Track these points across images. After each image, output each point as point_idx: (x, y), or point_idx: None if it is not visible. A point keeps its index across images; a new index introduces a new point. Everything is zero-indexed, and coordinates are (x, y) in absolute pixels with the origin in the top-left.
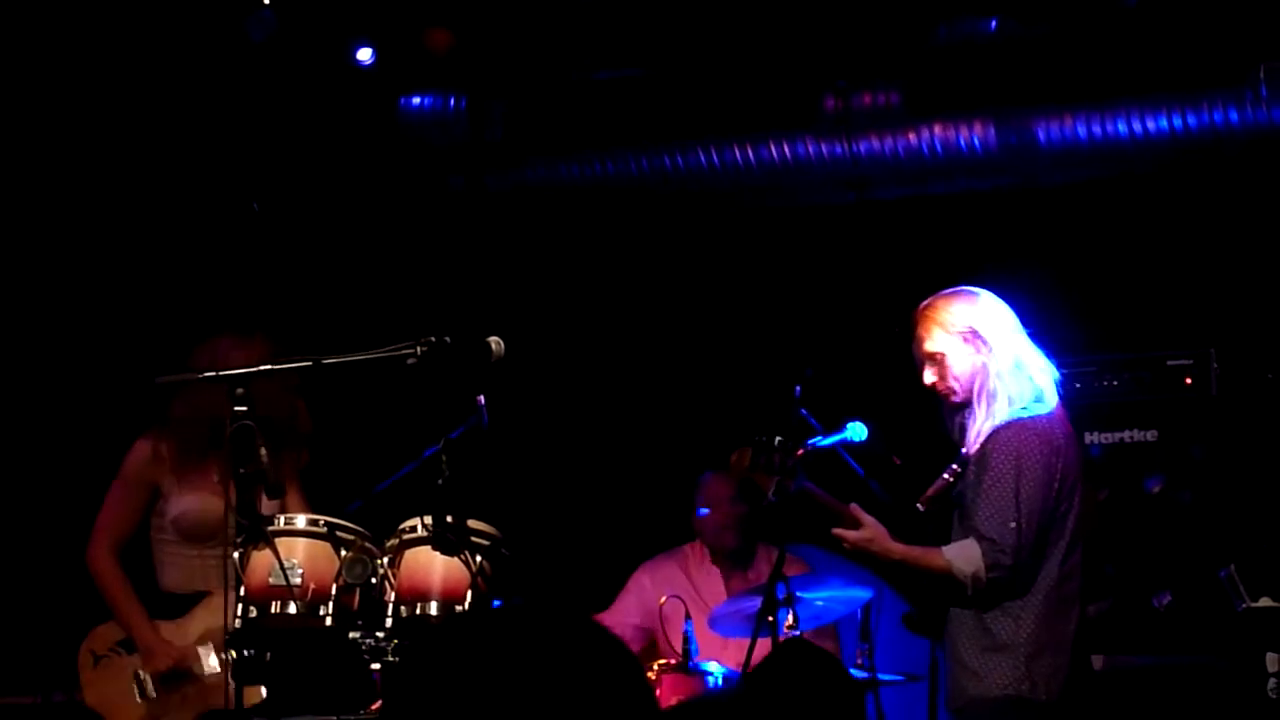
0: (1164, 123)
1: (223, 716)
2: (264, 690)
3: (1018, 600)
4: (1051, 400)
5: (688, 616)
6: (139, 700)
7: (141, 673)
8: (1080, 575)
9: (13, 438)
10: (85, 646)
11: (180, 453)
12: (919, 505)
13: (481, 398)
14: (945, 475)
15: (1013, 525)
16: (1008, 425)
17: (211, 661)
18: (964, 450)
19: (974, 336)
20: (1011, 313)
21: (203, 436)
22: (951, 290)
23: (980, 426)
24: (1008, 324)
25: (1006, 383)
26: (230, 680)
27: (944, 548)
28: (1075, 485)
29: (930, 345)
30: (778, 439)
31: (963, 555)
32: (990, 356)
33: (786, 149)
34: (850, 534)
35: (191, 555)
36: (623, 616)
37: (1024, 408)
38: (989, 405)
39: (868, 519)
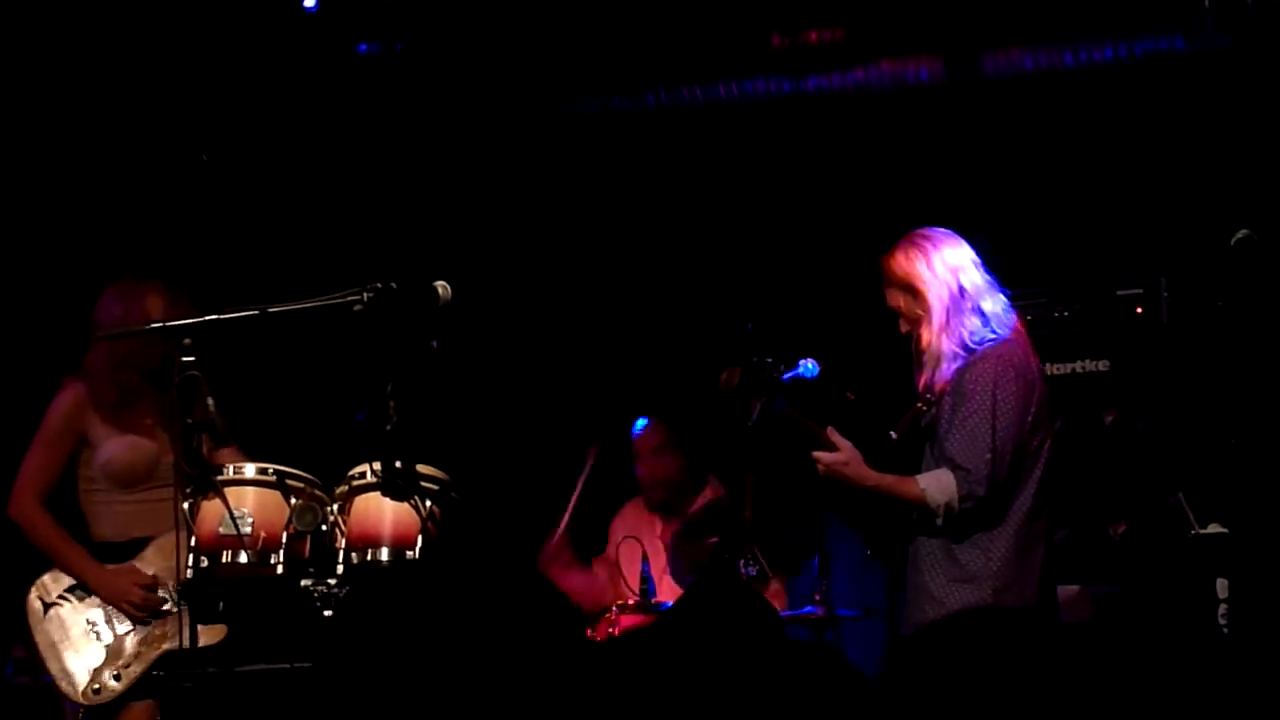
0: (1109, 52)
1: (182, 657)
2: (224, 629)
3: (988, 532)
4: (1006, 331)
5: (645, 557)
6: (94, 645)
7: (96, 617)
8: (1049, 509)
9: None
10: (33, 595)
11: (108, 400)
12: (892, 434)
13: (435, 342)
14: (919, 404)
15: (988, 456)
16: (984, 357)
17: (166, 603)
18: (923, 380)
19: (935, 274)
20: (969, 248)
21: (131, 383)
22: (913, 232)
23: (944, 357)
24: (966, 259)
25: (967, 316)
26: (186, 621)
27: (918, 476)
28: (1046, 417)
29: (895, 285)
30: (768, 360)
31: (937, 484)
32: (950, 291)
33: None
34: (826, 456)
35: (125, 501)
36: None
37: (991, 338)
38: (951, 338)
39: (844, 443)
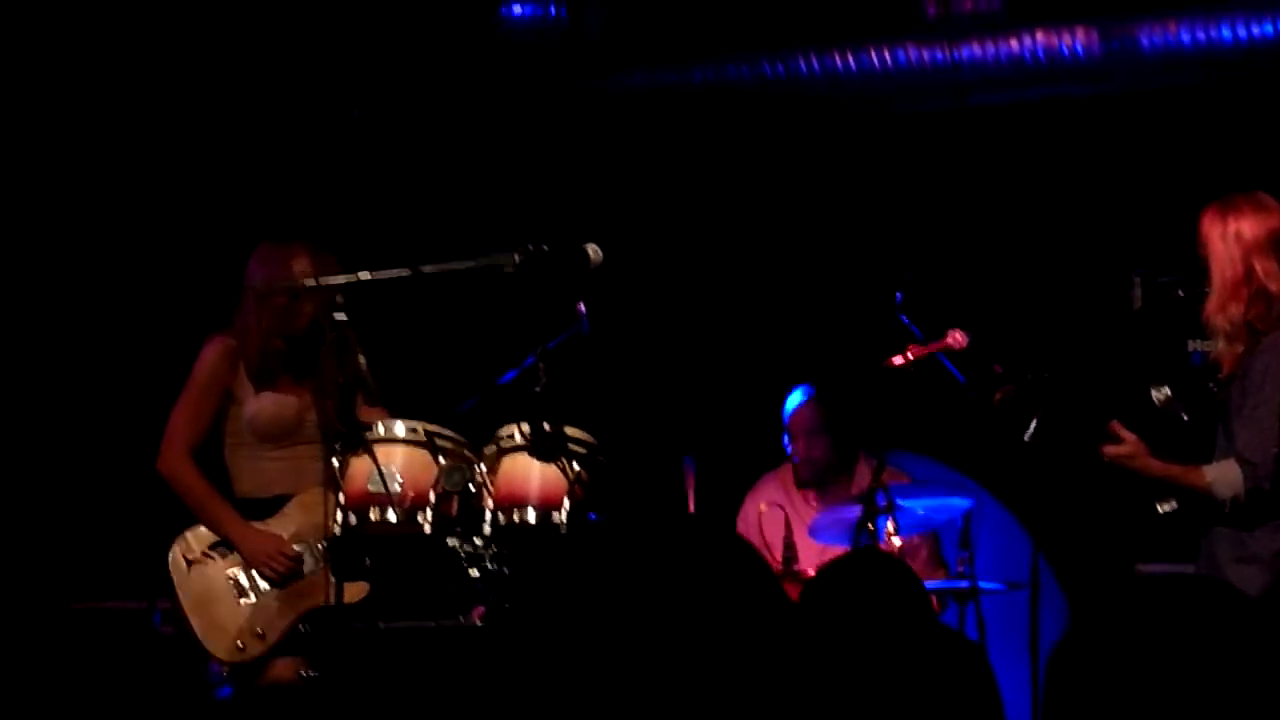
0: (1269, 28)
1: (326, 614)
2: (366, 586)
3: (1277, 521)
4: None
5: (788, 524)
6: (238, 603)
7: (240, 574)
8: None
9: (92, 346)
10: (175, 552)
11: (255, 358)
12: (1211, 386)
13: (582, 305)
14: (1210, 384)
15: (1274, 450)
16: (1271, 347)
17: (309, 561)
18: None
19: (1224, 246)
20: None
21: (278, 343)
22: (1228, 195)
23: (1218, 333)
24: (1269, 237)
25: (1251, 300)
26: (331, 578)
27: (1206, 467)
28: None
29: (1199, 244)
30: (1045, 374)
31: (1224, 478)
32: (1235, 269)
33: (888, 55)
34: (1111, 448)
35: (270, 457)
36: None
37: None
38: (1227, 317)
39: (1129, 435)
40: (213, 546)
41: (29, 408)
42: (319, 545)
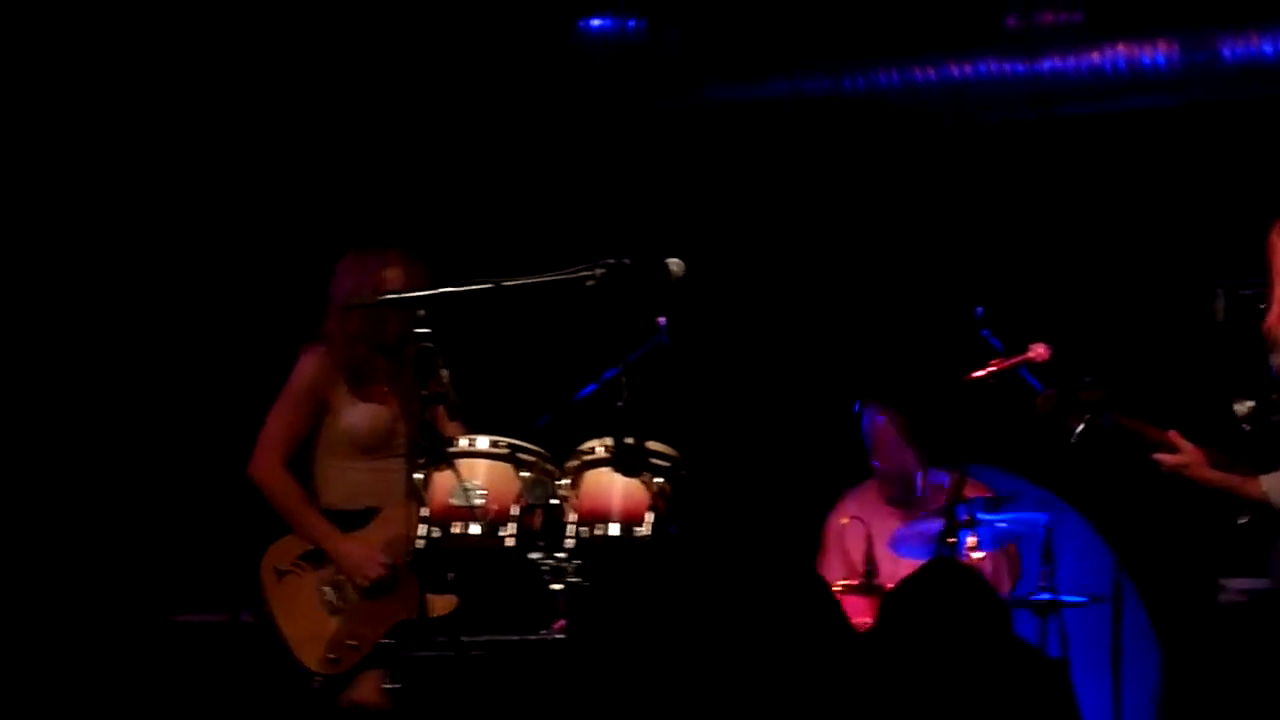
0: None
1: (416, 627)
2: (456, 599)
3: None
4: None
5: (869, 538)
6: (328, 615)
7: (331, 585)
8: None
9: (184, 355)
10: (266, 563)
11: (347, 369)
12: (1275, 397)
13: (663, 319)
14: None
15: None
16: None
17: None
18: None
19: None
20: None
21: (366, 354)
22: None
23: (1274, 346)
24: None
25: None
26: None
27: (1263, 477)
28: None
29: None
30: (1086, 379)
31: (1278, 488)
32: None
33: (968, 67)
34: (1168, 458)
35: (361, 468)
36: (833, 562)
37: None
38: None
39: (1186, 445)
40: (303, 557)
41: (131, 422)
42: (406, 558)
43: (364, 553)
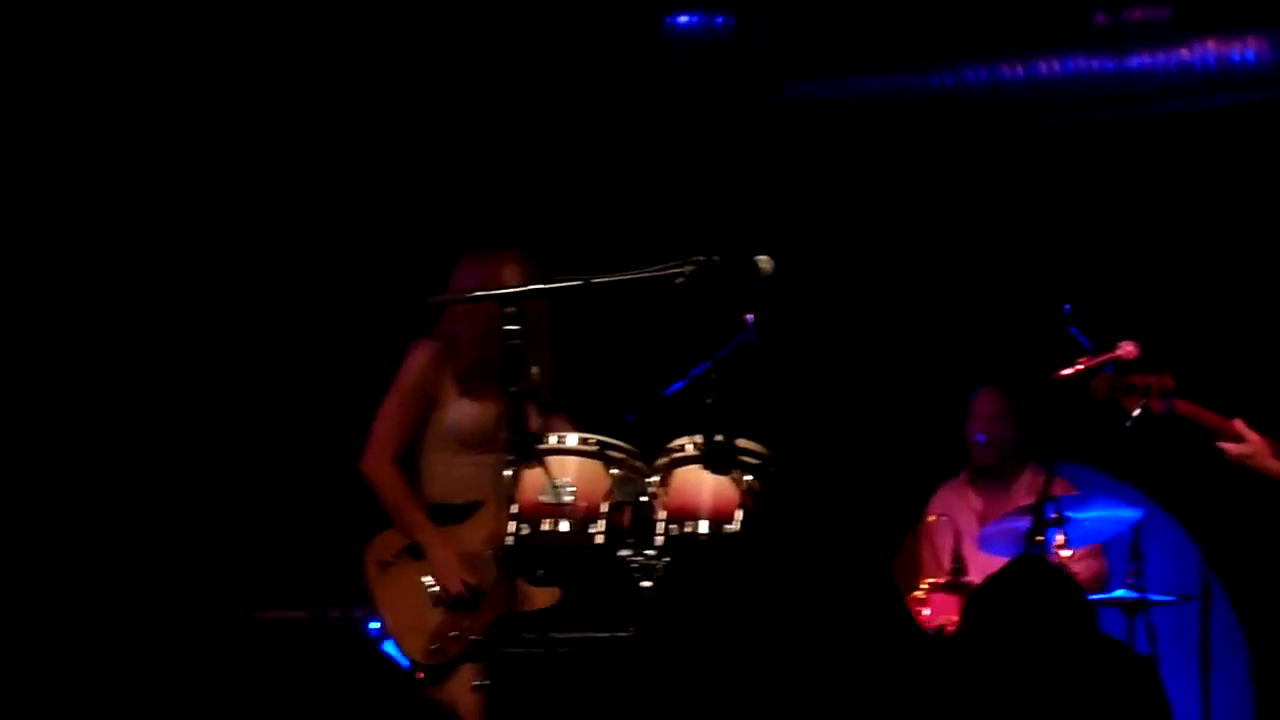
0: None
1: (515, 621)
2: (558, 591)
3: None
4: None
5: (956, 535)
6: (430, 606)
7: (430, 579)
8: None
9: (283, 352)
10: (370, 556)
11: (463, 365)
12: None
13: (750, 316)
14: None
15: None
16: None
17: (495, 569)
18: None
19: None
20: None
21: (489, 352)
22: None
23: None
24: None
25: None
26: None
27: None
28: None
29: None
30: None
31: None
32: None
33: (1057, 64)
34: (1232, 447)
35: (465, 463)
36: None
37: None
38: None
39: (1251, 434)
40: (406, 550)
41: (226, 422)
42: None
43: (452, 564)
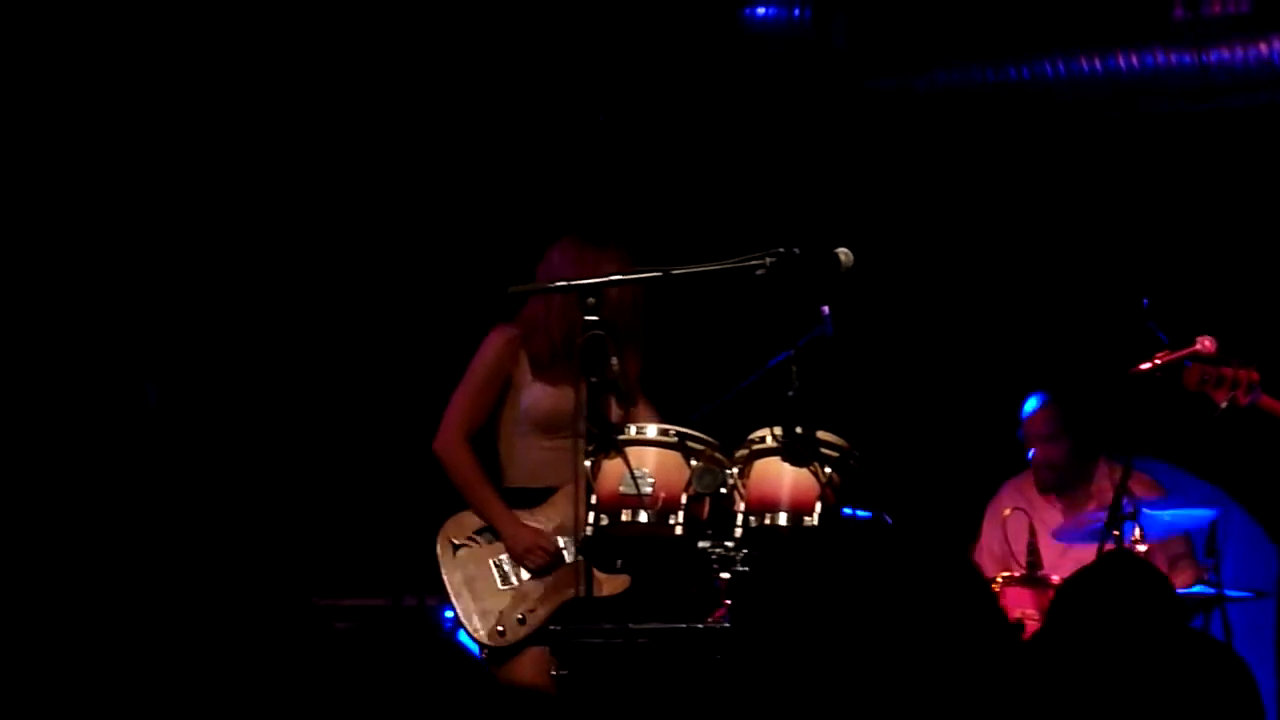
0: None
1: (584, 605)
2: (627, 579)
3: None
4: None
5: (1032, 529)
6: (501, 588)
7: (504, 561)
8: None
9: (368, 337)
10: (443, 536)
11: (540, 350)
12: None
13: (826, 308)
14: None
15: None
16: None
17: (572, 553)
18: None
19: None
20: None
21: (565, 338)
22: None
23: None
24: None
25: None
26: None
27: None
28: None
29: None
30: (1230, 358)
31: None
32: None
33: (1135, 59)
34: None
35: (544, 447)
36: (989, 547)
37: None
38: None
39: None
40: (478, 532)
41: (308, 409)
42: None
43: (532, 538)
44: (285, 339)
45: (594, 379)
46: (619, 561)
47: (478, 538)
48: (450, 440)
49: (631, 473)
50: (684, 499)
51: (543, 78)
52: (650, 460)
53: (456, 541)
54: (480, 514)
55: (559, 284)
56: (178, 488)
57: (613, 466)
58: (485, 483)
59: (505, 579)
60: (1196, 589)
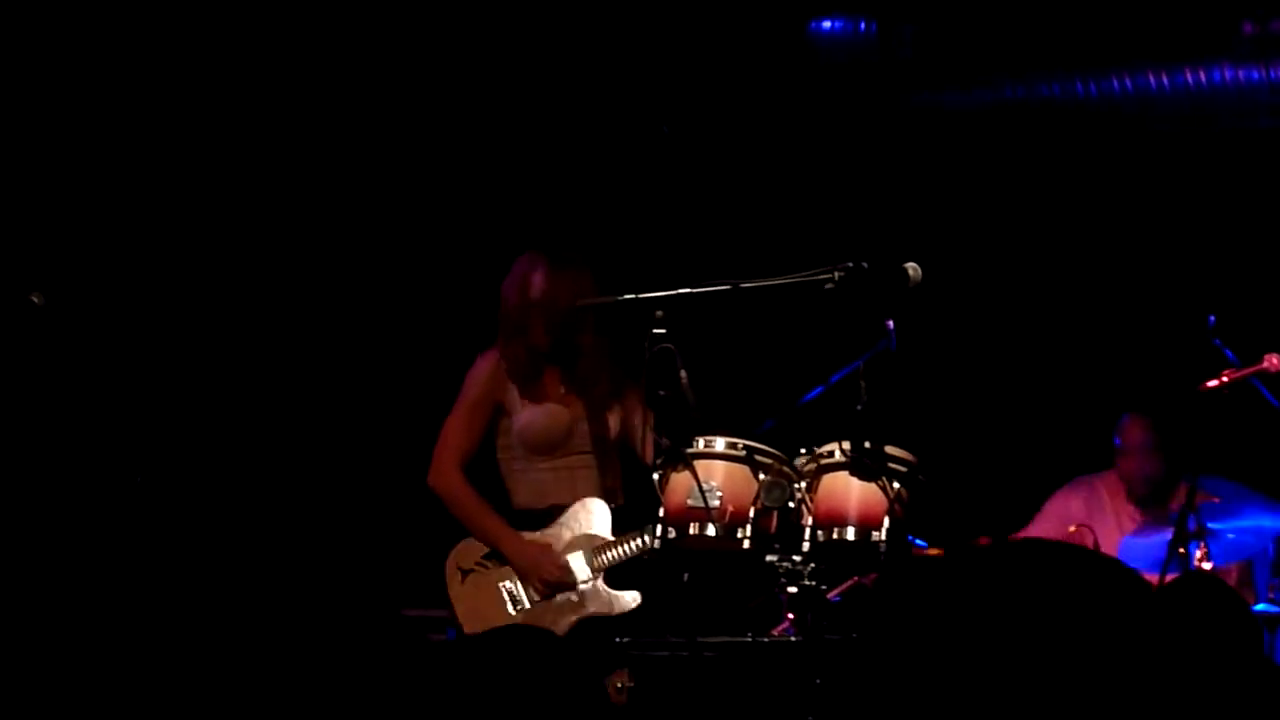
0: None
1: (603, 624)
2: (638, 596)
3: None
4: None
5: (1095, 546)
6: (512, 613)
7: (512, 585)
8: None
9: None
10: (451, 562)
11: (521, 371)
12: None
13: (891, 322)
14: None
15: None
16: None
17: (582, 570)
18: None
19: None
20: None
21: (544, 352)
22: None
23: None
24: None
25: None
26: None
27: None
28: None
29: None
30: None
31: None
32: None
33: (1203, 75)
34: None
35: (542, 469)
36: (1041, 534)
37: None
38: None
39: None
40: (486, 556)
41: (382, 422)
42: (593, 555)
43: (536, 554)
44: (364, 355)
45: (662, 392)
46: (685, 575)
47: (486, 562)
48: (444, 472)
49: (700, 486)
50: (752, 512)
51: (609, 90)
52: (718, 474)
53: (465, 567)
54: (484, 540)
55: (627, 296)
56: (265, 505)
57: (681, 479)
58: (485, 508)
59: (515, 602)
60: (1262, 606)
